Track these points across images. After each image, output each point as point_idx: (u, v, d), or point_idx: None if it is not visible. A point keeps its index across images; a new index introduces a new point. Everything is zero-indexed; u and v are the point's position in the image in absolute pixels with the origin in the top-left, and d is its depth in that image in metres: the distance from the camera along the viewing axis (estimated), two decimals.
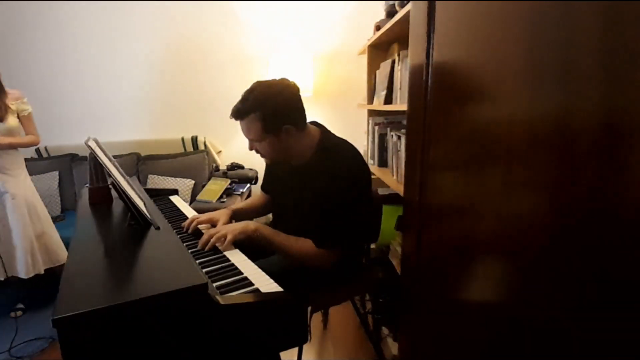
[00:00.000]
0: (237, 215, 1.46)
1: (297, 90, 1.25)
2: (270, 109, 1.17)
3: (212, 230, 1.21)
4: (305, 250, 1.22)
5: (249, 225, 1.22)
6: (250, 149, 1.29)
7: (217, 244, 1.18)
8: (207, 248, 1.16)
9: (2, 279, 2.04)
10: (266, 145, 1.23)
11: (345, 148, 1.28)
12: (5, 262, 2.03)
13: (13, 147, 2.03)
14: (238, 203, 1.60)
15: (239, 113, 1.21)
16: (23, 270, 2.03)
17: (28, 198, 2.07)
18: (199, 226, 1.36)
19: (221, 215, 1.38)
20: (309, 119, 1.35)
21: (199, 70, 3.00)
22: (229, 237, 1.17)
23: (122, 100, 3.07)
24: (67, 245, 2.23)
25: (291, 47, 2.87)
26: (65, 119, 3.08)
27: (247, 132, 1.23)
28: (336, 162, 1.23)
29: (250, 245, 1.21)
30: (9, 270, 2.04)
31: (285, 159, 1.31)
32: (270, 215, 1.62)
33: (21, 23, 2.93)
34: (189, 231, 1.31)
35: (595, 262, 0.35)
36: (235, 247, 1.18)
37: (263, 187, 1.61)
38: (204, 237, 1.19)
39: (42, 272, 2.09)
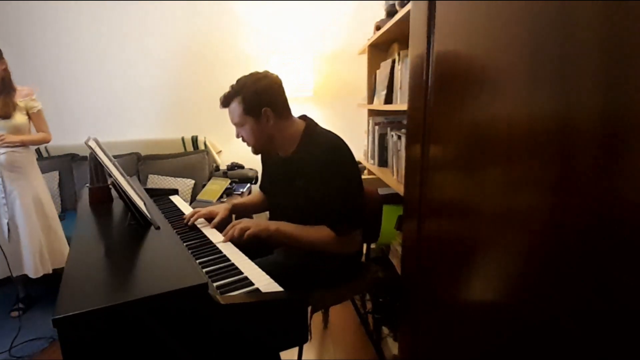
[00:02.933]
0: (236, 211, 1.51)
1: (279, 81, 1.33)
2: (250, 92, 1.27)
3: (236, 223, 1.25)
4: (324, 237, 1.25)
5: (270, 225, 1.26)
6: (237, 136, 1.36)
7: (235, 235, 1.21)
8: (226, 239, 1.21)
9: (6, 276, 2.04)
10: (248, 129, 1.31)
11: (328, 136, 1.33)
12: (14, 260, 2.03)
13: (24, 144, 2.03)
14: (238, 198, 1.62)
15: (225, 100, 1.32)
16: (32, 269, 2.03)
17: (37, 196, 2.07)
18: (197, 224, 1.37)
19: (220, 209, 1.41)
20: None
21: (199, 70, 3.00)
22: (252, 230, 1.21)
23: (122, 100, 3.07)
24: (68, 244, 2.23)
25: (291, 47, 2.87)
26: (66, 119, 3.08)
27: (232, 118, 1.33)
28: (322, 150, 1.27)
29: (251, 243, 1.22)
30: (18, 269, 2.04)
31: (268, 146, 1.36)
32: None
33: (21, 22, 2.93)
34: (189, 224, 1.35)
35: (595, 261, 0.35)
36: (235, 247, 1.18)
37: (261, 187, 1.63)
38: (228, 229, 1.23)
39: (51, 272, 2.09)
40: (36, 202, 2.07)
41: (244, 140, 1.36)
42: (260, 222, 1.27)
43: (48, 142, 2.16)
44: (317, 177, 1.25)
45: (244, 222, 1.24)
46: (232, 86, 1.30)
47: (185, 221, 1.37)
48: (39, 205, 2.08)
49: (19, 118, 2.00)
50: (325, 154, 1.26)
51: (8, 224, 2.01)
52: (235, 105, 1.29)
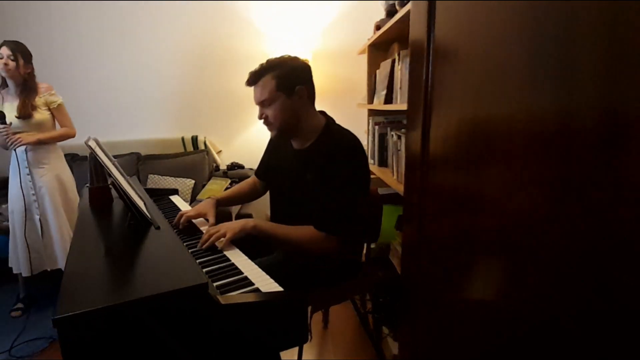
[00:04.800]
0: (222, 204, 1.50)
1: (310, 67, 1.30)
2: (287, 68, 1.23)
3: (212, 229, 1.21)
4: (305, 236, 1.23)
5: (248, 222, 1.22)
6: (260, 116, 1.29)
7: (216, 243, 1.18)
8: (205, 246, 1.16)
9: (29, 274, 2.06)
10: (277, 107, 1.24)
11: (349, 136, 1.29)
12: (47, 255, 2.08)
13: (43, 143, 2.04)
14: (222, 192, 1.60)
15: (254, 76, 1.24)
16: (64, 263, 2.07)
17: (64, 192, 2.12)
18: (195, 222, 1.38)
19: (208, 208, 1.39)
20: None
21: (199, 70, 3.00)
22: (228, 236, 1.18)
23: (123, 100, 3.07)
24: None
25: (291, 47, 2.86)
26: None
27: (260, 94, 1.25)
28: (338, 147, 1.24)
29: (251, 243, 1.21)
30: (51, 264, 2.09)
31: (292, 131, 1.30)
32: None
33: (22, 22, 2.93)
34: (180, 227, 1.33)
35: (595, 261, 0.35)
36: (236, 247, 1.18)
37: (258, 174, 1.59)
38: (204, 237, 1.19)
39: None
40: (63, 197, 2.11)
41: (266, 122, 1.28)
42: (237, 222, 1.22)
43: (72, 136, 2.15)
44: (325, 172, 1.23)
45: (221, 230, 1.18)
46: (262, 64, 1.25)
47: (174, 224, 1.35)
48: (66, 201, 2.12)
49: (39, 116, 2.02)
50: (342, 154, 1.23)
51: (40, 219, 2.04)
52: (268, 80, 1.22)
